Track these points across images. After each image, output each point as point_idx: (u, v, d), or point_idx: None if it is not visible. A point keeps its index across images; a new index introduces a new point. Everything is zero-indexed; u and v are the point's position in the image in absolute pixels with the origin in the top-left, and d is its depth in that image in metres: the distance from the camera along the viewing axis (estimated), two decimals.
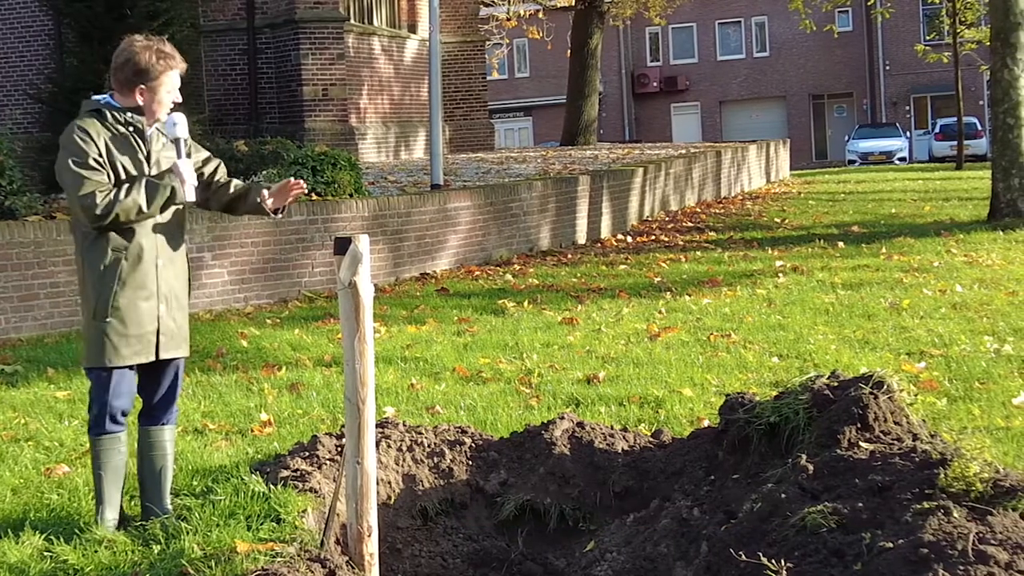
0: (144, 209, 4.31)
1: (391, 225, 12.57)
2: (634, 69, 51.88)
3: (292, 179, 4.64)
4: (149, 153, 4.45)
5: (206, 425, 6.40)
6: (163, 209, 4.40)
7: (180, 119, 4.43)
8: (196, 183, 4.46)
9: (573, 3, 29.01)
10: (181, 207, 4.53)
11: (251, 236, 11.21)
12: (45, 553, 4.31)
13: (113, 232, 4.34)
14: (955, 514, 3.41)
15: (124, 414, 4.51)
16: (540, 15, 32.53)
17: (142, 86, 4.38)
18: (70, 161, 4.29)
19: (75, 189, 4.27)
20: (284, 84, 20.25)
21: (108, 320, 4.35)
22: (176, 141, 4.43)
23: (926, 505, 3.49)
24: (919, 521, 3.39)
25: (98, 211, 4.25)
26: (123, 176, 4.35)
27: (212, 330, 9.62)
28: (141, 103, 4.40)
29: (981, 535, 3.28)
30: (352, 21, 21.54)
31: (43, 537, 4.44)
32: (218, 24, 20.56)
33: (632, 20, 38.12)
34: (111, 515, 4.51)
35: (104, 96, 4.47)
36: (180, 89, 4.50)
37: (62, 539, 4.39)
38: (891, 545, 3.32)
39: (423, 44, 22.76)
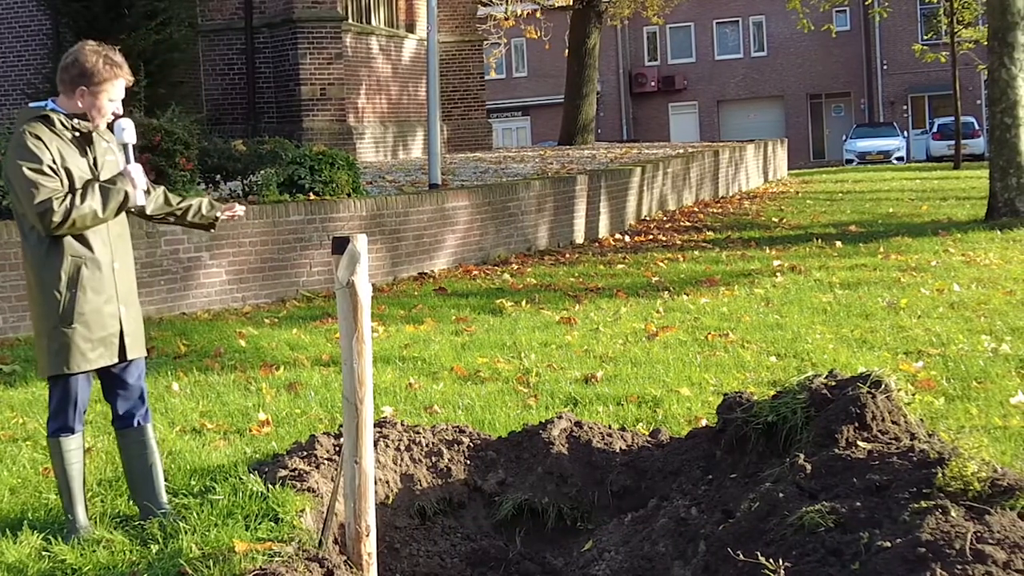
0: (99, 214, 4.31)
1: (389, 225, 12.57)
2: (632, 68, 51.88)
3: (237, 206, 4.94)
4: (95, 159, 4.46)
5: (204, 425, 6.40)
6: (119, 213, 4.41)
7: (128, 124, 4.43)
8: (146, 187, 4.49)
9: (571, 3, 29.01)
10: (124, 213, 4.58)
11: (249, 236, 11.20)
12: (43, 553, 4.31)
13: (70, 239, 4.34)
14: (953, 513, 3.41)
15: (84, 413, 4.57)
16: (538, 15, 32.53)
17: (83, 88, 4.37)
18: (25, 168, 4.25)
19: (31, 196, 4.24)
20: (282, 84, 20.25)
21: (74, 326, 4.36)
22: (124, 146, 4.43)
23: (924, 504, 3.49)
24: (917, 520, 3.40)
25: (56, 217, 4.23)
26: (76, 182, 4.34)
27: (210, 330, 9.62)
28: (81, 106, 4.39)
29: (979, 534, 3.28)
30: (350, 21, 21.55)
31: (41, 537, 4.44)
32: (216, 23, 20.57)
33: (630, 20, 38.15)
34: (83, 515, 4.54)
35: (46, 102, 4.45)
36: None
37: (60, 539, 4.39)
38: (889, 544, 3.32)
39: (421, 44, 22.76)
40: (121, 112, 4.49)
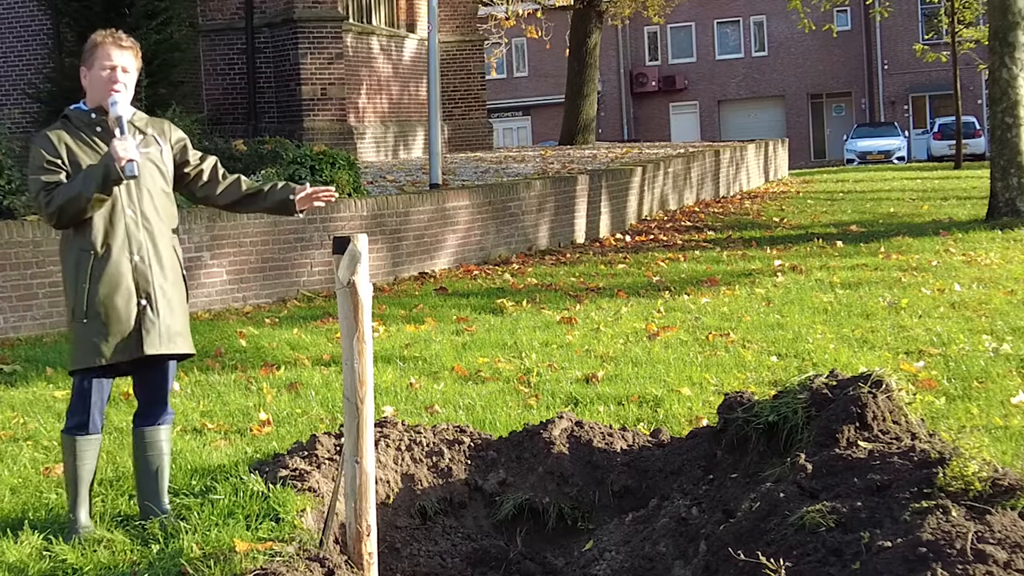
0: (85, 194, 4.26)
1: (390, 224, 12.57)
2: (632, 68, 51.88)
3: (327, 188, 4.66)
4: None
5: (205, 424, 6.40)
6: (106, 189, 4.28)
7: (120, 99, 4.38)
8: (138, 159, 4.31)
9: (572, 2, 28.99)
10: (164, 205, 4.53)
11: (249, 236, 11.20)
12: (44, 552, 4.31)
13: (83, 232, 4.35)
14: (954, 513, 3.41)
15: (103, 414, 4.52)
16: (539, 14, 32.49)
17: (83, 67, 4.44)
18: (30, 169, 4.38)
19: (31, 195, 4.38)
20: (283, 83, 20.24)
21: (85, 320, 4.35)
22: (118, 119, 4.35)
23: (925, 504, 3.49)
24: (918, 520, 3.39)
25: (49, 208, 4.28)
26: None
27: (211, 329, 9.62)
28: (84, 87, 4.44)
29: (980, 534, 3.28)
30: (351, 20, 21.55)
31: (42, 536, 4.44)
32: (216, 23, 20.56)
33: (631, 19, 38.13)
34: (85, 515, 4.52)
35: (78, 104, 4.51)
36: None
37: (61, 538, 4.38)
38: (890, 544, 3.32)
39: (422, 43, 22.76)
40: (120, 84, 4.40)
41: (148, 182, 4.45)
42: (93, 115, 4.44)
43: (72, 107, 4.50)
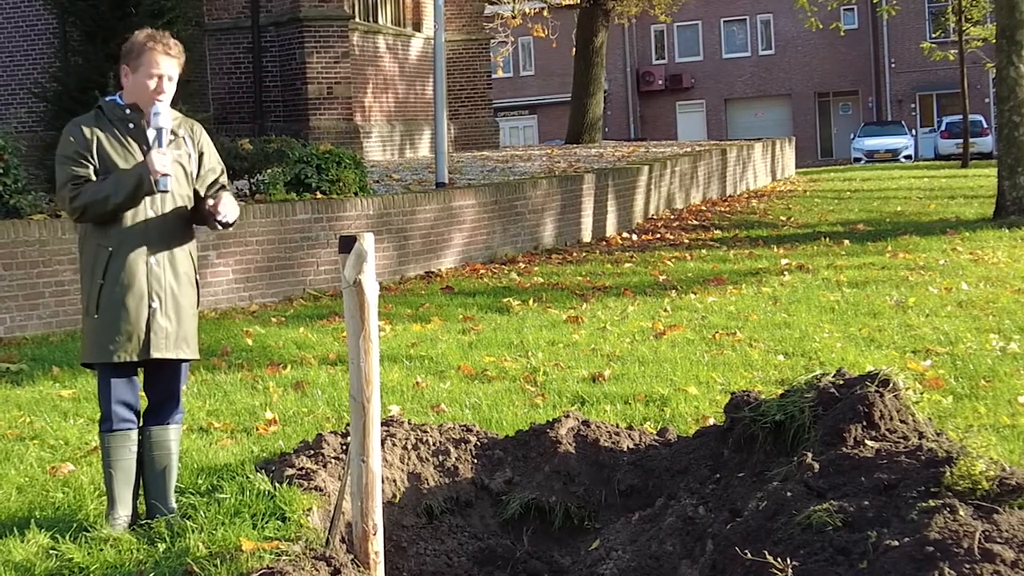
0: (113, 199, 4.26)
1: (396, 223, 12.57)
2: (639, 67, 51.84)
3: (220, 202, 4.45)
4: (148, 151, 4.37)
5: (211, 424, 6.41)
6: (136, 199, 4.29)
7: (163, 109, 4.36)
8: (172, 173, 4.32)
9: (578, 1, 28.99)
10: (185, 209, 4.51)
11: (256, 235, 11.21)
12: (50, 551, 4.31)
13: (102, 229, 4.35)
14: (961, 512, 3.40)
15: (131, 410, 4.49)
16: (545, 13, 32.51)
17: (126, 66, 4.39)
18: (57, 157, 4.38)
19: (58, 183, 4.37)
20: (289, 82, 20.26)
21: (95, 316, 4.36)
22: (159, 131, 4.34)
23: (932, 503, 3.48)
24: (925, 519, 3.38)
25: (73, 203, 4.30)
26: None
27: (217, 328, 9.62)
28: (125, 85, 4.41)
29: (987, 533, 3.27)
30: (357, 19, 21.56)
31: (48, 535, 4.44)
32: (222, 22, 20.58)
33: (637, 18, 38.07)
34: (122, 512, 4.49)
35: (113, 96, 4.50)
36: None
37: (67, 537, 4.38)
38: (897, 543, 3.31)
39: (428, 42, 22.77)
40: (164, 92, 4.38)
41: (173, 185, 4.41)
42: (128, 111, 4.42)
43: (107, 99, 4.48)
